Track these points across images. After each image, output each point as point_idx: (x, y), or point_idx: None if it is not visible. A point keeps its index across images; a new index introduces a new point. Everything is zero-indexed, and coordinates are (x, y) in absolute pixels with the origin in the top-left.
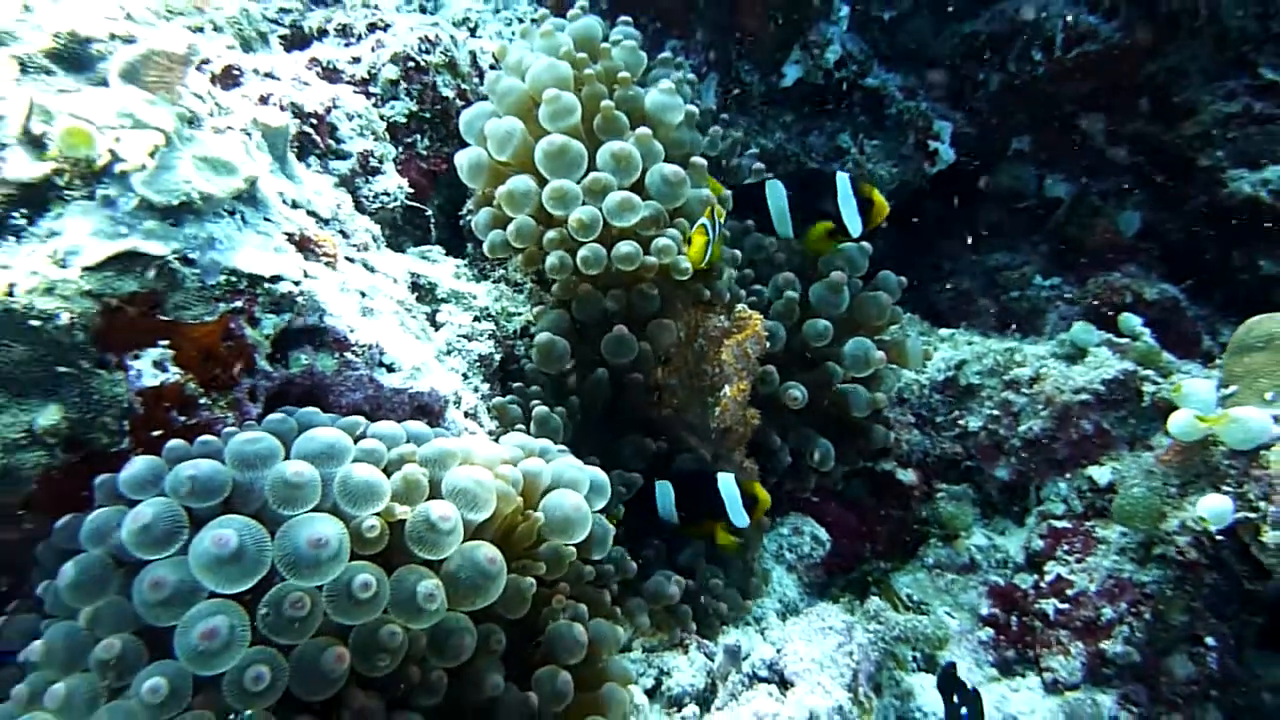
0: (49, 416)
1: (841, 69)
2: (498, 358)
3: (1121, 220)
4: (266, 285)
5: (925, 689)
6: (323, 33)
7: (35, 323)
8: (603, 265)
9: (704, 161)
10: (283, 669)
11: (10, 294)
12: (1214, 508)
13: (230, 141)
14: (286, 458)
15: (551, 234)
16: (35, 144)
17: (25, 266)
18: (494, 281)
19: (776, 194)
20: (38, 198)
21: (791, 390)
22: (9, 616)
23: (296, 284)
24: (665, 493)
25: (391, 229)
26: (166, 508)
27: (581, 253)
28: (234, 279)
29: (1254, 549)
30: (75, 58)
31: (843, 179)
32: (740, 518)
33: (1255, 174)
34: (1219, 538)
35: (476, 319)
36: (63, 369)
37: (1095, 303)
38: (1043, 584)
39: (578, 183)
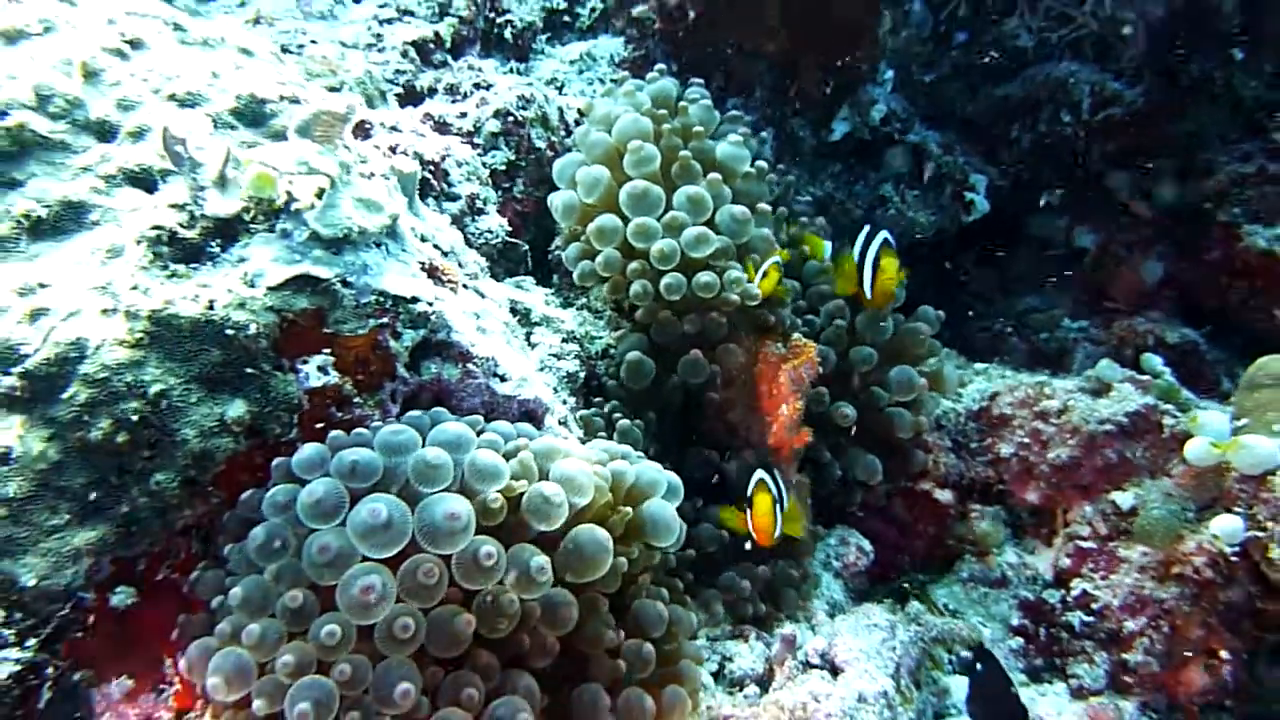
0: (236, 409)
1: (886, 126)
2: (582, 375)
3: (1145, 269)
4: (407, 305)
5: (960, 688)
6: (432, 91)
7: (230, 332)
8: (683, 292)
9: (769, 207)
10: (423, 622)
11: (211, 308)
12: (1226, 527)
13: (377, 185)
14: (423, 447)
15: (634, 265)
16: (226, 185)
17: (222, 285)
18: (578, 309)
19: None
20: (229, 230)
21: (842, 409)
22: (201, 572)
23: (430, 305)
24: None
25: (491, 261)
26: (333, 486)
27: (665, 280)
28: (382, 299)
29: (1263, 566)
30: (254, 115)
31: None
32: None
33: (1270, 229)
34: (1233, 558)
35: (564, 340)
36: (249, 370)
37: (1119, 344)
38: (1069, 598)
39: (657, 220)
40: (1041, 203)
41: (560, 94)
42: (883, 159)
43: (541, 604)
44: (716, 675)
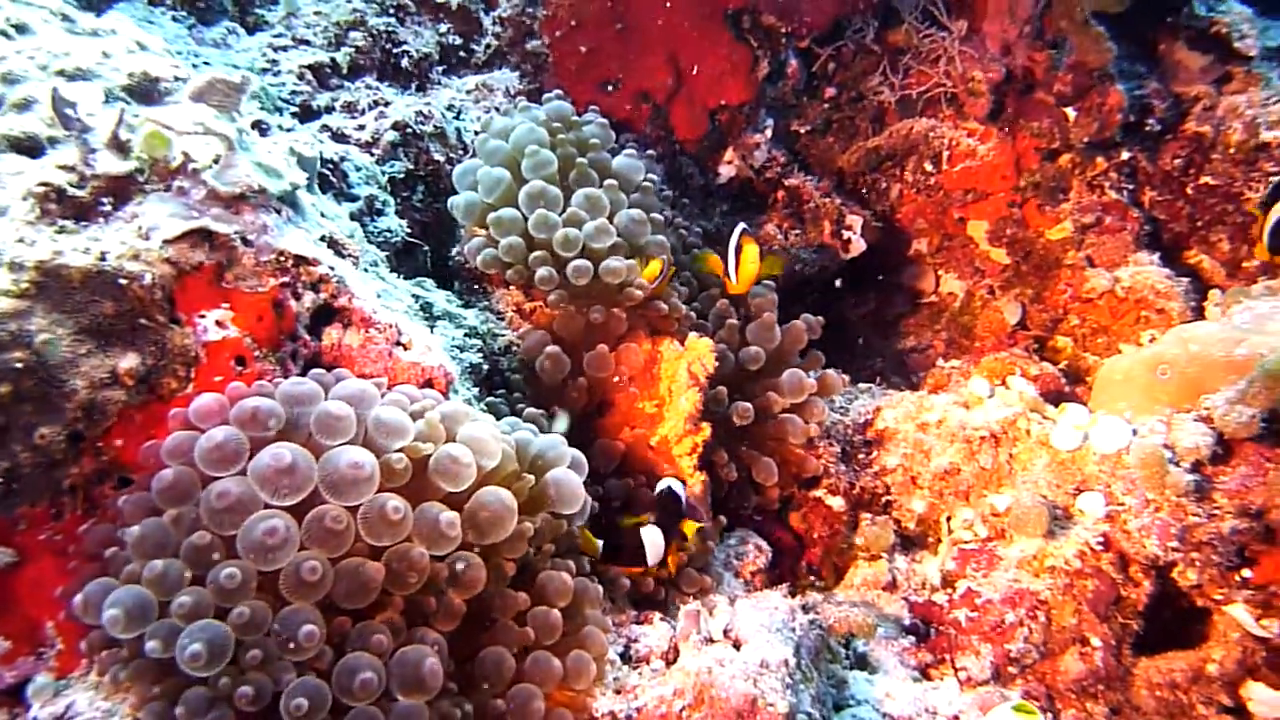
0: (129, 361)
1: (765, 171)
2: (485, 368)
3: (1008, 311)
4: (308, 266)
5: (857, 680)
6: (329, 109)
7: (123, 282)
8: (589, 276)
9: (661, 217)
10: (329, 569)
11: (103, 259)
12: (1088, 502)
13: (277, 155)
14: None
15: (538, 253)
16: (120, 149)
17: (114, 239)
18: (480, 309)
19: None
20: (122, 189)
21: (740, 406)
22: (92, 526)
23: (332, 269)
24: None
25: (390, 262)
26: (233, 432)
27: (573, 263)
28: (282, 259)
29: (1123, 542)
30: (146, 92)
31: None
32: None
33: (1110, 272)
34: (1098, 545)
35: (467, 335)
36: (143, 322)
37: (988, 377)
38: (954, 597)
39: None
40: (911, 249)
41: (458, 120)
42: (767, 201)
43: (449, 564)
44: (623, 656)
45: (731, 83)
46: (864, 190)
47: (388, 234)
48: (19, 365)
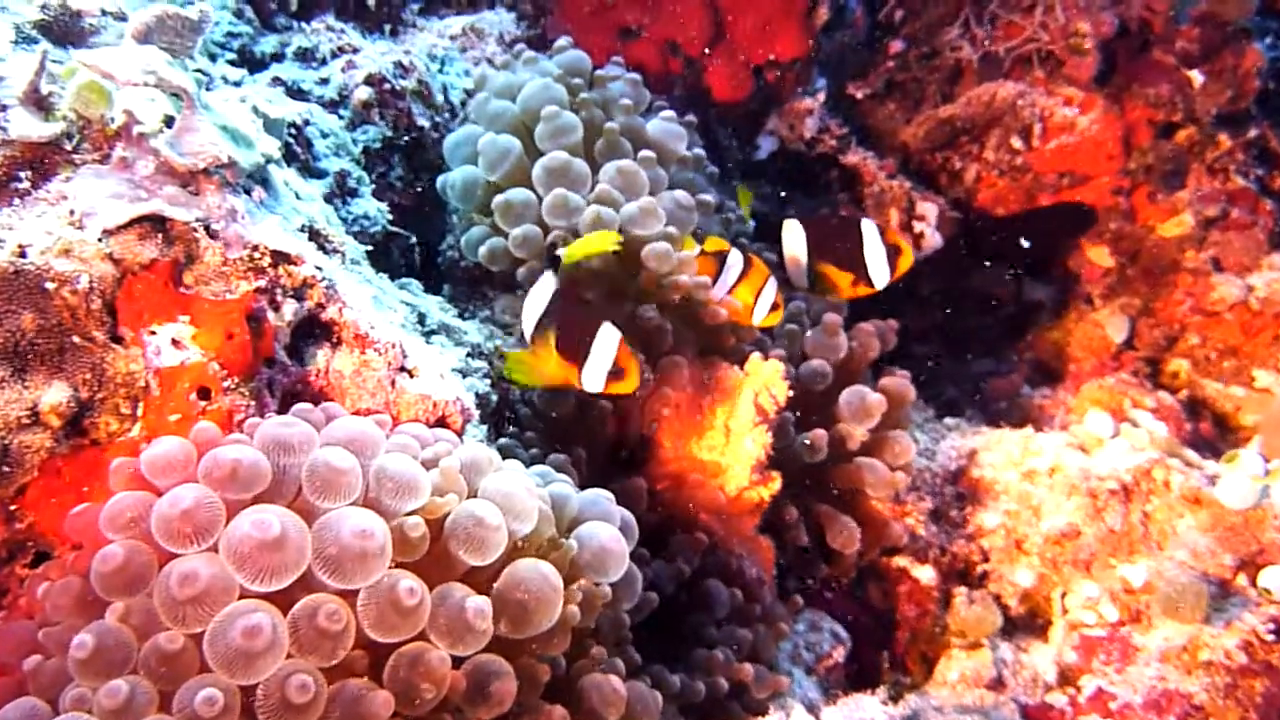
0: (56, 394)
1: (818, 144)
2: (494, 399)
3: (1111, 326)
4: (289, 266)
5: None
6: (278, 57)
7: (50, 285)
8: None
9: (711, 200)
10: (323, 685)
11: (22, 254)
12: (1274, 579)
13: (243, 115)
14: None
15: (557, 233)
16: (41, 105)
17: (37, 228)
18: (481, 321)
19: (794, 236)
20: (45, 161)
21: (815, 435)
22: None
23: (319, 269)
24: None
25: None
26: (205, 493)
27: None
28: (257, 255)
29: None
30: (65, 30)
31: (870, 226)
32: (596, 380)
33: (1243, 279)
34: (1269, 635)
35: (470, 355)
36: (75, 340)
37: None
38: (1080, 699)
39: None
40: (989, 248)
41: (442, 72)
42: (818, 181)
43: (469, 674)
44: None
45: (783, 32)
46: (933, 170)
47: (365, 221)
48: None
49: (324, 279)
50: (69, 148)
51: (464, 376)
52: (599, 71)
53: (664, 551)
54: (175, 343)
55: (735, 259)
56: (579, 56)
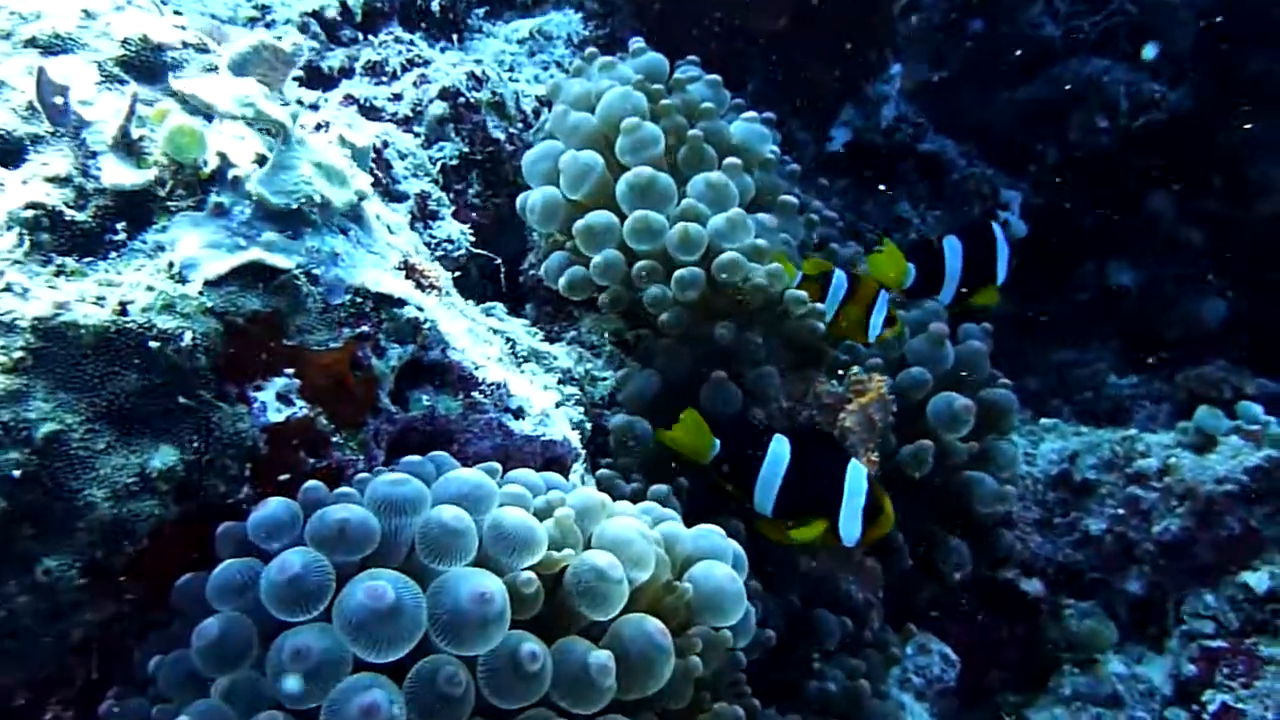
0: (164, 458)
1: (896, 133)
2: (589, 427)
3: (1207, 309)
4: (391, 310)
5: None
6: (346, 73)
7: (154, 344)
8: (700, 288)
9: (795, 201)
10: None
11: (124, 312)
12: None
13: (333, 150)
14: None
15: (644, 263)
16: (132, 151)
17: (136, 282)
18: (568, 343)
19: (953, 252)
20: (140, 209)
21: (920, 447)
22: (113, 702)
23: (420, 310)
24: (778, 458)
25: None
26: (313, 559)
27: (678, 273)
28: (359, 300)
29: None
30: (148, 66)
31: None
32: (853, 525)
33: None
34: None
35: (561, 381)
36: (182, 400)
37: (1188, 400)
38: (1205, 716)
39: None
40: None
41: (512, 79)
42: (894, 172)
43: None
44: None
45: (863, 17)
46: (1014, 153)
47: (448, 245)
48: (17, 471)
49: (426, 320)
50: (162, 194)
51: (557, 406)
52: (677, 74)
53: (772, 582)
54: (282, 398)
55: (840, 279)
56: (656, 59)
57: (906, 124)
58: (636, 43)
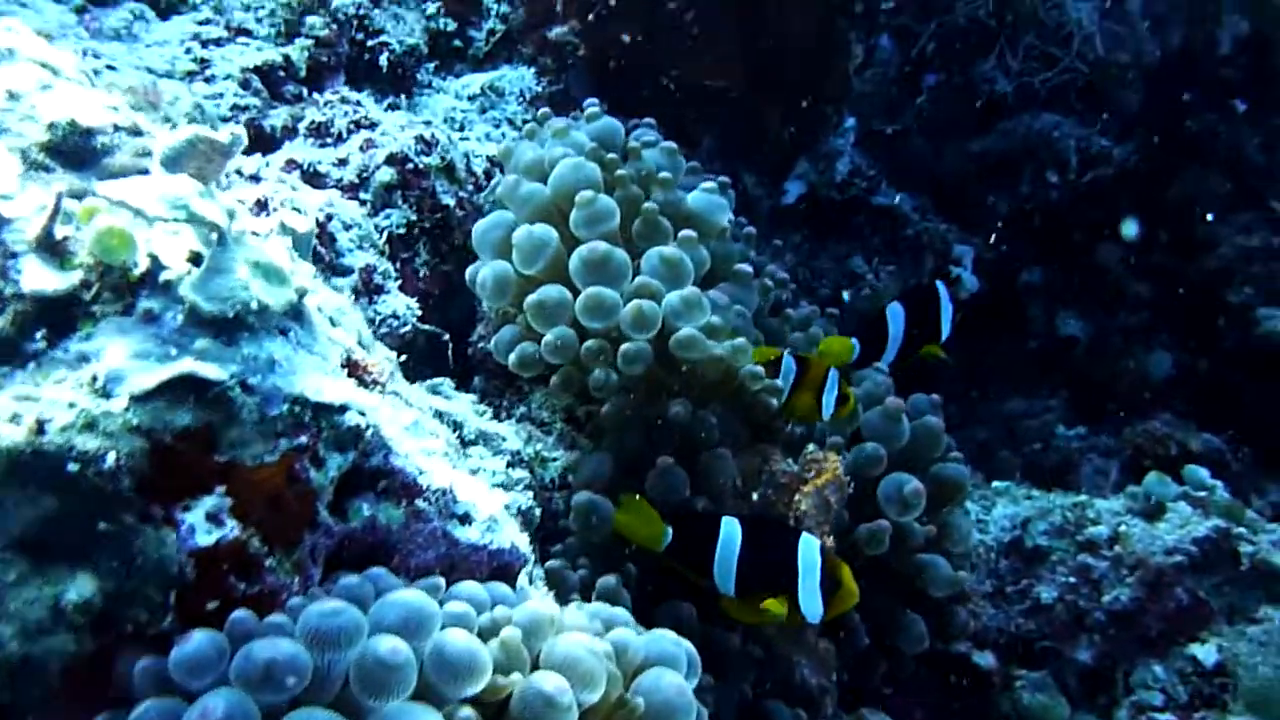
0: (81, 588)
1: (850, 188)
2: (537, 513)
3: (1152, 362)
4: (332, 417)
5: None
6: (290, 132)
7: (74, 466)
8: (648, 362)
9: (750, 270)
10: None
11: (41, 432)
12: None
13: (273, 246)
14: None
15: (592, 343)
16: (56, 252)
17: (57, 397)
18: (517, 420)
19: (895, 319)
20: (62, 315)
21: (876, 528)
22: None
23: (362, 415)
24: (730, 540)
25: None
26: (240, 700)
27: (624, 347)
28: (298, 409)
29: None
30: (77, 152)
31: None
32: (813, 602)
33: None
34: None
35: (510, 465)
36: (102, 526)
37: (1135, 455)
38: None
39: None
40: (1019, 282)
41: (463, 138)
42: (848, 226)
43: None
44: None
45: (817, 72)
46: (964, 206)
47: (393, 321)
48: None
49: (368, 425)
50: (87, 298)
51: (505, 490)
52: (633, 139)
53: (724, 669)
54: (212, 518)
55: (788, 363)
56: (611, 125)
57: (860, 177)
58: (591, 106)
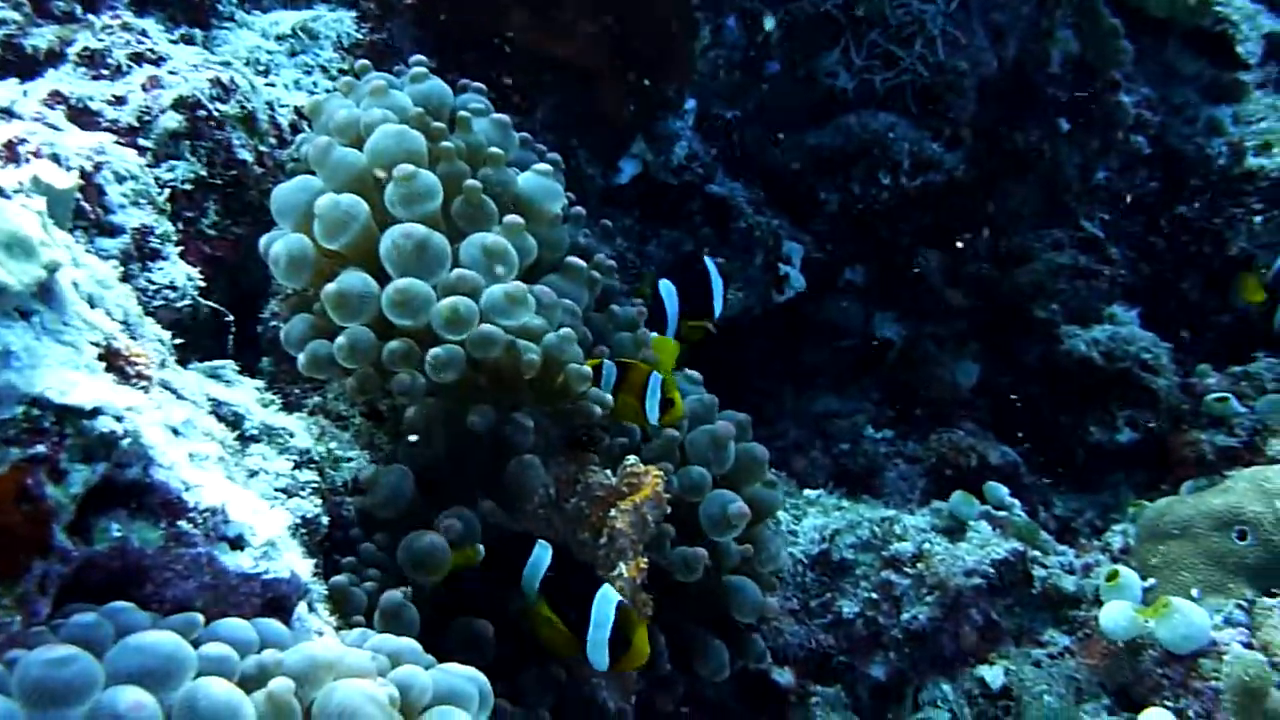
0: None
1: (687, 170)
2: (325, 521)
3: (960, 370)
4: (78, 422)
5: None
6: (55, 57)
7: None
8: (461, 369)
9: (582, 263)
10: None
11: None
12: None
13: (19, 211)
14: (104, 682)
15: (396, 344)
16: None
17: None
18: (309, 412)
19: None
20: None
21: (690, 554)
22: None
23: (118, 421)
24: (539, 561)
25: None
26: None
27: (433, 352)
28: (36, 412)
29: None
30: None
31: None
32: (599, 656)
33: (1087, 332)
34: None
35: (297, 466)
36: None
37: (938, 464)
38: None
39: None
40: (841, 280)
41: (267, 83)
42: (680, 212)
43: None
44: None
45: (665, 48)
46: (797, 201)
47: (170, 293)
48: None
49: (125, 432)
50: None
51: (288, 495)
52: (461, 108)
53: (523, 690)
54: None
55: (609, 369)
56: (438, 88)
57: (697, 163)
58: (418, 64)
